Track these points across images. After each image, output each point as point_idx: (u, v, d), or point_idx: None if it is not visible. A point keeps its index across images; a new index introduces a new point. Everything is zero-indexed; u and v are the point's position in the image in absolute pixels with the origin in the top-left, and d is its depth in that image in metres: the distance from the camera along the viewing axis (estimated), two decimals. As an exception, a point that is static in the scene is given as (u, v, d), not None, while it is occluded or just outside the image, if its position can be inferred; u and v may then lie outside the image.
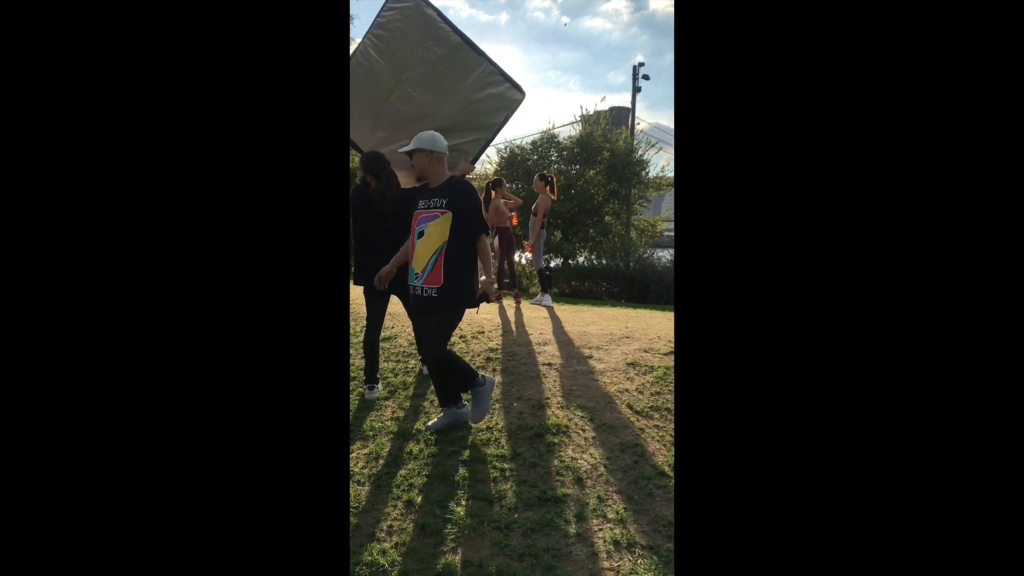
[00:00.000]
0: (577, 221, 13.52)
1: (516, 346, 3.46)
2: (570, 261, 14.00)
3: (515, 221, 5.18)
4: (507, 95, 2.70)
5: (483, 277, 2.38)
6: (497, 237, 5.22)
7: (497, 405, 2.65)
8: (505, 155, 14.88)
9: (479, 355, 3.28)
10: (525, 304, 5.34)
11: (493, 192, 5.23)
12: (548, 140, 14.94)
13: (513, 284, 5.52)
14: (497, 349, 3.38)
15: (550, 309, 4.99)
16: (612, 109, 20.81)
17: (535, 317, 4.40)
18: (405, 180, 2.88)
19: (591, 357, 3.21)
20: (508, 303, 5.32)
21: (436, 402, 2.71)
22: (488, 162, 16.47)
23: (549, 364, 3.11)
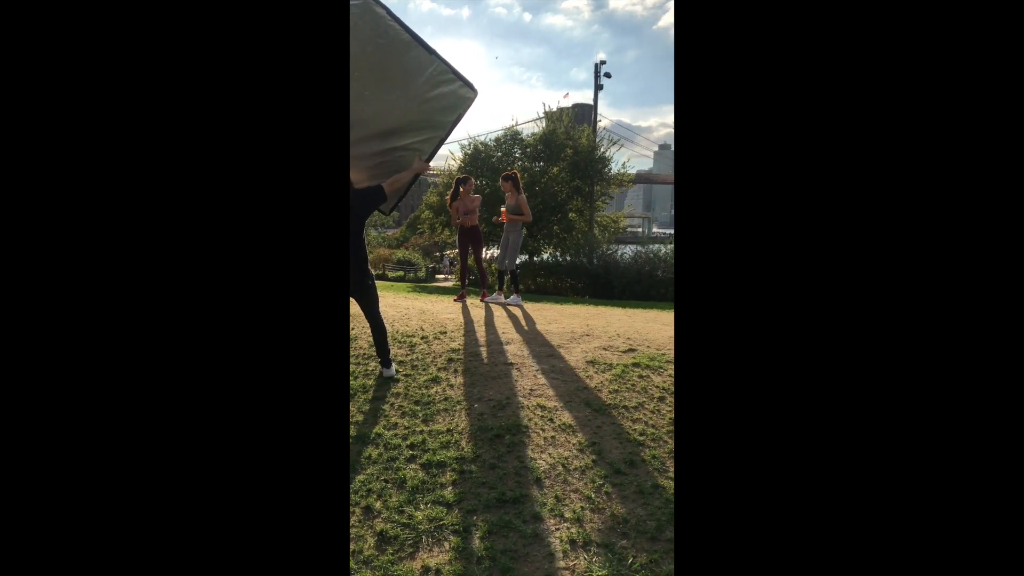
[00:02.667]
0: (541, 218, 13.57)
1: (479, 346, 3.44)
2: (535, 258, 14.05)
3: (504, 217, 5.10)
4: (459, 93, 2.68)
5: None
6: (461, 235, 5.19)
7: (458, 407, 2.64)
8: (469, 151, 14.79)
9: (440, 356, 3.26)
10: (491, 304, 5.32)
11: (461, 188, 5.19)
12: (512, 137, 14.92)
13: (483, 283, 5.50)
14: (459, 350, 3.37)
15: (514, 307, 4.99)
16: (575, 106, 20.96)
17: (499, 316, 4.39)
18: (357, 178, 2.82)
19: (552, 356, 3.23)
20: (473, 302, 5.29)
21: (396, 405, 2.69)
22: (452, 158, 16.37)
23: (511, 364, 3.11)
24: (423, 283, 16.07)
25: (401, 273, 17.93)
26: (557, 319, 4.41)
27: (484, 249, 5.63)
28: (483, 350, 3.36)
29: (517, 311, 4.76)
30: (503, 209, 5.16)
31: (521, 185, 5.20)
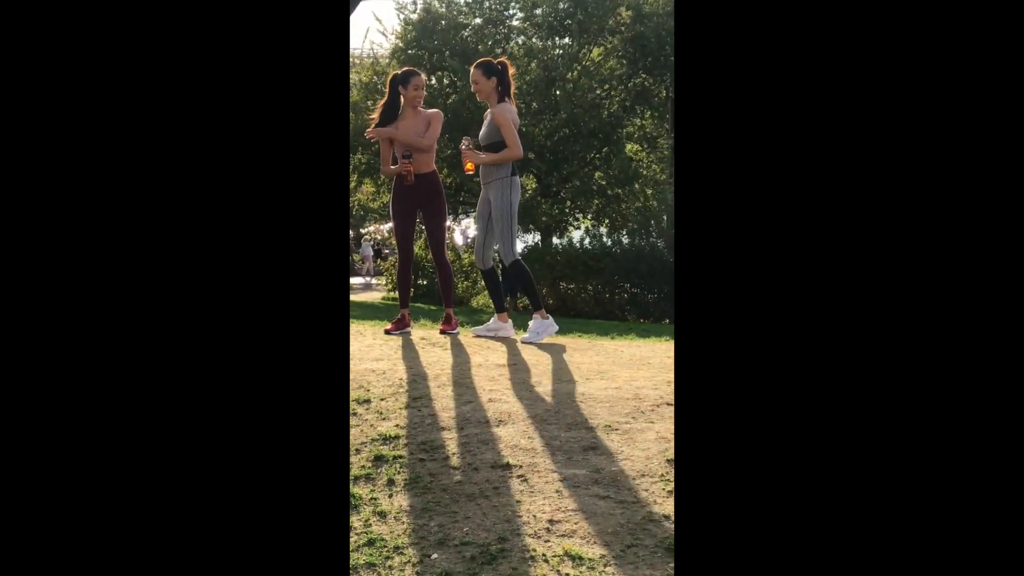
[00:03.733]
0: (567, 155, 13.58)
1: (438, 430, 3.47)
2: (556, 240, 14.07)
3: (469, 167, 5.21)
4: None
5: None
6: (399, 194, 5.20)
7: (397, 559, 2.63)
8: (414, 16, 14.88)
9: (358, 450, 3.26)
10: (465, 335, 5.35)
11: (400, 94, 5.22)
12: (505, -12, 15.01)
13: (446, 299, 5.53)
14: (398, 438, 3.38)
15: (523, 344, 5.01)
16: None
17: (480, 364, 4.47)
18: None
19: (595, 448, 3.26)
20: (428, 335, 5.30)
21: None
22: (381, 31, 16.31)
23: (508, 466, 3.13)
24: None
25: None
26: (606, 368, 4.46)
27: (449, 220, 5.67)
28: (448, 438, 3.40)
29: (517, 352, 4.77)
30: (464, 145, 5.18)
31: (512, 83, 5.23)
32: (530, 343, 5.18)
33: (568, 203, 13.98)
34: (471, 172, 5.28)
